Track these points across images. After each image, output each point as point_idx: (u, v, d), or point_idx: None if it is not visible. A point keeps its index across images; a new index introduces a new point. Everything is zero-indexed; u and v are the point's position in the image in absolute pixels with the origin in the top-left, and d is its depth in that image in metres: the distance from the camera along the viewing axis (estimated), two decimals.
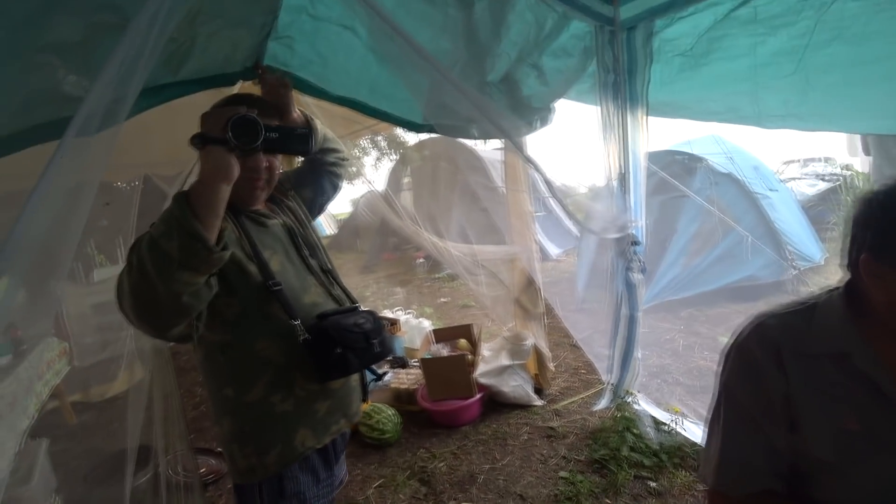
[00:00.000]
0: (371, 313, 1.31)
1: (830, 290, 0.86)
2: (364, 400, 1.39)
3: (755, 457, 0.84)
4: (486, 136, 2.15)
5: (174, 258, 0.86)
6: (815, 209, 6.22)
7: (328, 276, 1.34)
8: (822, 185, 7.07)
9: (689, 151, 5.05)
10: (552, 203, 6.48)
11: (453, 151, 7.06)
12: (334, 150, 1.47)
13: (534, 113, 2.20)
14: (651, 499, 2.16)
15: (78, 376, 3.94)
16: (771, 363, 0.82)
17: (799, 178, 7.80)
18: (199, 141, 0.90)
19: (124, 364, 3.78)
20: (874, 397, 0.76)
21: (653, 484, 2.23)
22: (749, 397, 0.85)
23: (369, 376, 1.40)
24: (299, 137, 1.02)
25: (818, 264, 4.85)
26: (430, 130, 2.08)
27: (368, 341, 1.22)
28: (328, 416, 1.24)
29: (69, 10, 0.96)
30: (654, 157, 4.71)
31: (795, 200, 5.70)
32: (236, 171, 0.92)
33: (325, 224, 12.56)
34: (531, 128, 2.18)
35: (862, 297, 0.79)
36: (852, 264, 0.79)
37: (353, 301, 1.35)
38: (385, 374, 3.42)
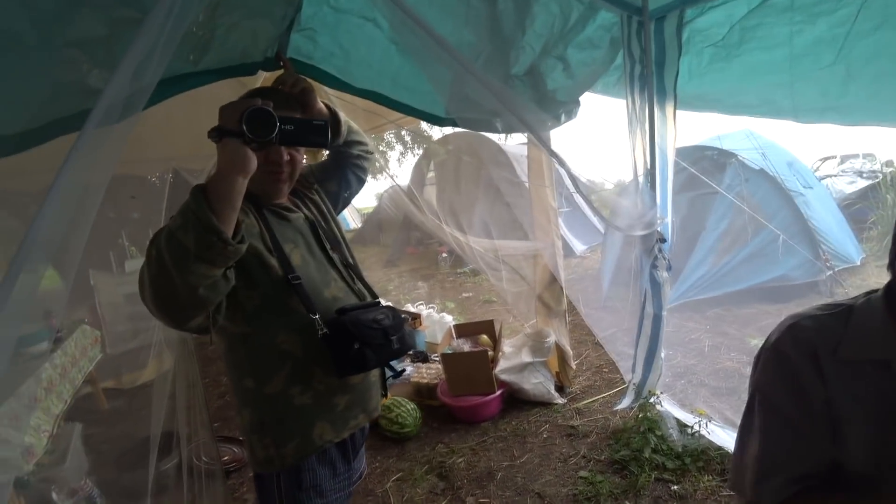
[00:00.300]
0: (391, 309, 1.30)
1: (869, 293, 0.81)
2: (384, 395, 1.39)
3: (797, 466, 0.79)
4: (509, 130, 2.12)
5: (191, 251, 0.86)
6: (853, 207, 5.97)
7: (350, 271, 1.34)
8: (862, 183, 6.77)
9: (720, 147, 4.90)
10: (577, 199, 6.39)
11: (478, 146, 7.01)
12: (359, 143, 1.46)
13: (559, 107, 2.15)
14: (673, 502, 2.12)
15: (110, 363, 4.08)
16: (809, 367, 0.78)
17: (837, 175, 7.49)
18: (216, 134, 0.90)
19: (153, 353, 3.89)
20: None
21: (675, 487, 2.18)
22: (788, 403, 0.80)
23: (388, 372, 1.40)
24: (316, 129, 1.01)
25: (855, 265, 4.65)
26: (453, 124, 2.06)
27: (387, 338, 1.22)
28: (347, 411, 1.24)
29: (93, 6, 0.98)
30: (683, 153, 4.59)
31: (832, 198, 5.47)
32: (253, 163, 0.91)
33: (350, 217, 12.69)
34: (556, 122, 2.14)
35: None
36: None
37: (374, 296, 1.35)
38: (403, 371, 3.44)
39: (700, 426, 2.37)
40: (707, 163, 4.81)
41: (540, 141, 1.71)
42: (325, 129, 1.01)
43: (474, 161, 6.79)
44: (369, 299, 1.33)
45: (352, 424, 1.26)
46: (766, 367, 0.84)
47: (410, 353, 3.69)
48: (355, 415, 1.26)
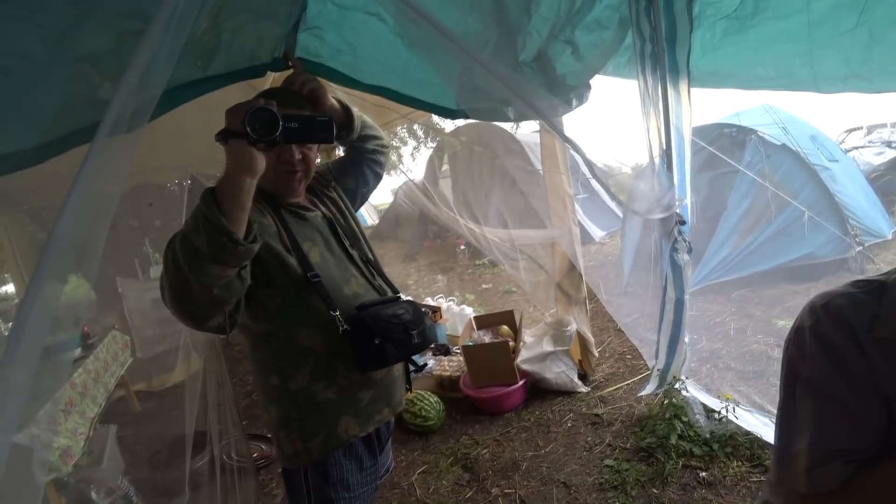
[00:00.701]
0: (411, 303, 1.30)
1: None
2: (408, 389, 1.40)
3: (856, 450, 0.74)
4: (521, 118, 2.09)
5: (203, 252, 0.88)
6: (882, 179, 5.76)
7: (369, 267, 1.34)
8: (891, 153, 6.52)
9: (739, 123, 4.76)
10: (594, 184, 6.30)
11: (490, 136, 6.96)
12: (374, 138, 1.46)
13: (570, 91, 2.11)
14: (701, 489, 2.09)
15: (140, 367, 4.21)
16: (851, 347, 0.73)
17: (864, 147, 7.22)
18: (222, 136, 0.91)
19: (181, 355, 3.99)
20: None
21: (703, 474, 2.15)
22: (839, 387, 0.75)
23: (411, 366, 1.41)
24: (320, 125, 1.01)
25: (887, 239, 4.49)
26: (464, 116, 2.03)
27: (407, 332, 1.22)
28: (371, 405, 1.25)
29: (100, 21, 0.99)
30: (701, 132, 4.48)
31: (860, 171, 5.28)
32: (259, 164, 0.92)
33: (367, 214, 12.75)
34: (568, 107, 2.10)
35: None
36: None
37: (394, 291, 1.36)
38: (425, 365, 3.46)
39: (727, 411, 2.32)
40: (726, 141, 4.68)
41: (553, 127, 1.69)
42: (329, 125, 1.01)
43: (487, 151, 6.75)
44: (390, 294, 1.33)
45: (376, 419, 1.27)
46: (805, 351, 0.79)
47: (432, 346, 3.71)
48: (379, 409, 1.27)
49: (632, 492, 2.14)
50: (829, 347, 0.75)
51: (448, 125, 8.08)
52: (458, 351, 3.48)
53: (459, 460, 2.59)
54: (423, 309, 3.68)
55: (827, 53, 1.79)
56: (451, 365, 3.43)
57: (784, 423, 0.81)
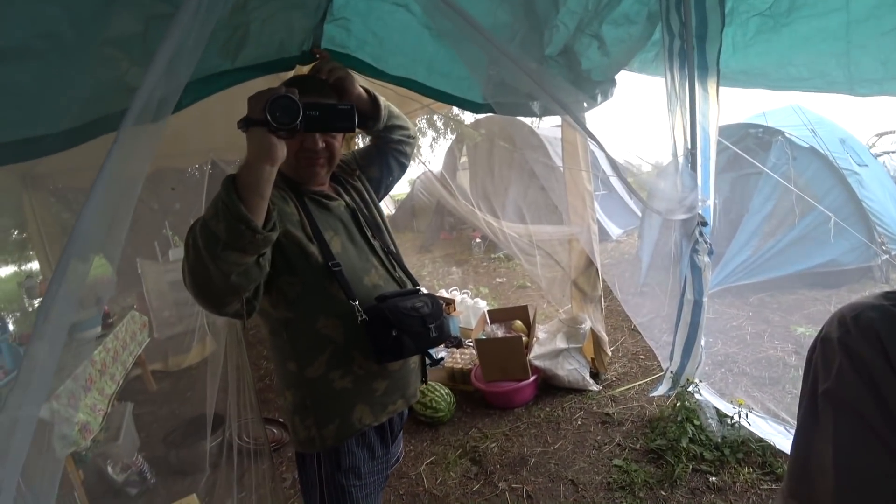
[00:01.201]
0: (431, 297, 1.30)
1: None
2: (423, 381, 1.41)
3: (883, 476, 0.69)
4: (546, 113, 2.06)
5: (222, 239, 0.89)
6: None
7: (391, 258, 1.35)
8: None
9: (765, 124, 4.64)
10: (613, 182, 6.22)
11: (510, 129, 6.90)
12: (400, 128, 1.45)
13: (595, 86, 2.08)
14: (710, 494, 2.07)
15: (157, 347, 4.30)
16: (883, 363, 0.69)
17: (895, 152, 7.00)
18: (244, 124, 0.91)
19: (196, 337, 4.07)
20: None
21: (713, 478, 2.13)
22: (864, 403, 0.71)
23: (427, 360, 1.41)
24: (342, 113, 1.00)
25: None
26: (490, 110, 2.01)
27: (425, 325, 1.22)
28: (386, 396, 1.26)
29: (127, 3, 0.99)
30: (725, 131, 4.38)
31: (890, 177, 5.12)
32: (280, 152, 0.92)
33: (383, 204, 12.76)
34: (593, 102, 2.07)
35: None
36: None
37: (414, 284, 1.36)
38: (441, 359, 3.47)
39: (740, 416, 2.29)
40: (751, 141, 4.57)
41: (577, 123, 1.66)
42: (350, 113, 1.00)
43: (507, 145, 6.70)
44: (409, 287, 1.33)
45: (390, 409, 1.27)
46: (832, 363, 0.75)
47: (451, 339, 3.71)
48: (394, 400, 1.28)
49: (640, 493, 2.13)
50: (857, 362, 0.72)
51: (468, 117, 8.04)
52: (471, 344, 3.49)
53: (468, 453, 2.60)
54: (440, 302, 3.69)
55: (865, 54, 1.73)
56: (463, 358, 3.44)
57: (803, 435, 0.77)
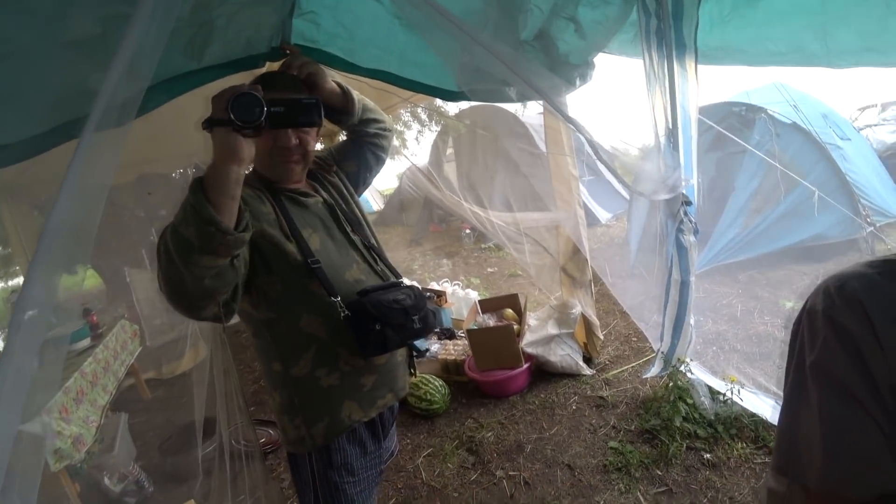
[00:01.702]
0: (412, 289, 1.30)
1: None
2: (412, 374, 1.41)
3: (872, 449, 0.69)
4: (523, 98, 2.05)
5: (193, 243, 0.87)
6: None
7: (372, 252, 1.33)
8: None
9: (748, 102, 4.66)
10: (600, 166, 6.23)
11: (494, 118, 6.88)
12: (375, 121, 1.43)
13: (572, 70, 2.07)
14: (705, 470, 2.09)
15: (150, 355, 4.26)
16: (867, 333, 0.69)
17: (877, 125, 7.04)
18: (207, 124, 0.89)
19: (189, 343, 4.04)
20: None
21: (707, 455, 2.15)
22: (850, 375, 0.70)
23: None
24: (307, 108, 0.97)
25: None
26: (466, 98, 1.99)
27: (408, 317, 1.21)
28: (374, 391, 1.25)
29: (84, 4, 0.96)
30: (709, 111, 4.39)
31: (872, 149, 5.16)
32: (245, 151, 0.90)
33: (372, 200, 12.71)
34: (571, 86, 2.06)
35: None
36: None
37: (397, 276, 1.35)
38: (427, 350, 3.47)
39: (732, 393, 2.31)
40: (734, 120, 4.59)
41: (555, 108, 1.65)
42: (316, 107, 0.98)
43: (491, 134, 6.68)
44: (392, 280, 1.32)
45: (379, 404, 1.27)
46: (817, 335, 0.75)
47: (437, 330, 3.71)
48: (383, 394, 1.27)
49: (636, 473, 2.14)
50: (842, 334, 0.71)
51: (452, 108, 8.00)
52: (463, 335, 3.49)
53: (464, 443, 2.61)
54: (428, 294, 3.67)
55: (841, 26, 1.72)
56: (455, 349, 3.45)
57: (790, 409, 0.78)
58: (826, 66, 1.92)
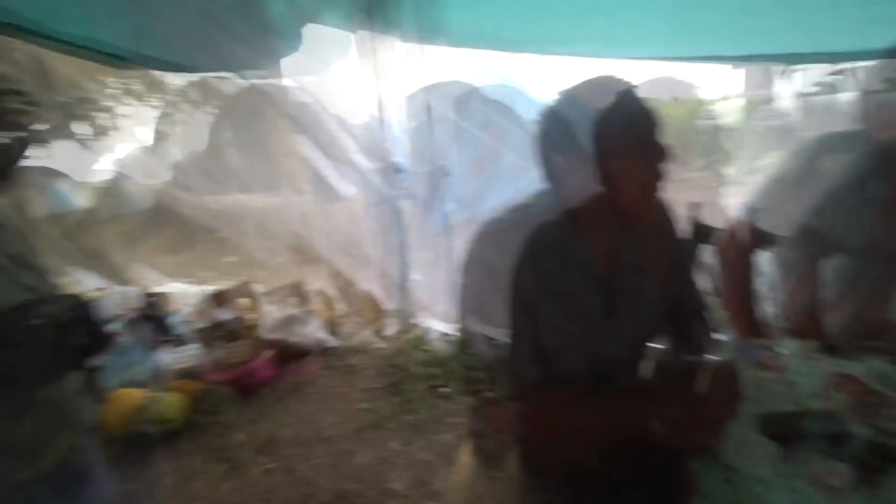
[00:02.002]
0: (72, 297, 1.03)
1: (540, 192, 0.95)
2: (100, 401, 1.15)
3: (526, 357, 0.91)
4: (216, 68, 1.85)
5: None
6: None
7: (15, 263, 1.01)
8: None
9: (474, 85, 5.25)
10: (341, 141, 6.24)
11: (214, 93, 6.10)
12: None
13: (278, 39, 1.97)
14: (444, 402, 2.40)
15: None
16: (523, 264, 0.87)
17: None
18: None
19: None
20: (588, 281, 0.90)
21: (444, 389, 2.46)
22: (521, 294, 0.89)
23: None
24: None
25: None
26: (139, 65, 1.66)
27: (61, 337, 0.96)
28: (39, 437, 0.97)
29: None
30: (442, 91, 4.80)
31: None
32: None
33: (77, 195, 9.87)
34: (274, 57, 1.96)
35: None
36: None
37: (54, 288, 1.06)
38: (95, 368, 2.95)
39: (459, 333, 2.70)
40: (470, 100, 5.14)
41: (248, 77, 1.54)
42: None
43: (215, 112, 5.96)
44: (47, 292, 1.03)
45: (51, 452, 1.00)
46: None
47: (171, 337, 3.19)
48: (51, 439, 1.00)
49: (389, 425, 2.31)
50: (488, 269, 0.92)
51: (177, 80, 6.66)
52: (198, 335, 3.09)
53: (214, 453, 2.34)
54: (153, 299, 3.11)
55: (557, 15, 1.93)
56: (191, 354, 3.03)
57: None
58: (541, 54, 2.25)
